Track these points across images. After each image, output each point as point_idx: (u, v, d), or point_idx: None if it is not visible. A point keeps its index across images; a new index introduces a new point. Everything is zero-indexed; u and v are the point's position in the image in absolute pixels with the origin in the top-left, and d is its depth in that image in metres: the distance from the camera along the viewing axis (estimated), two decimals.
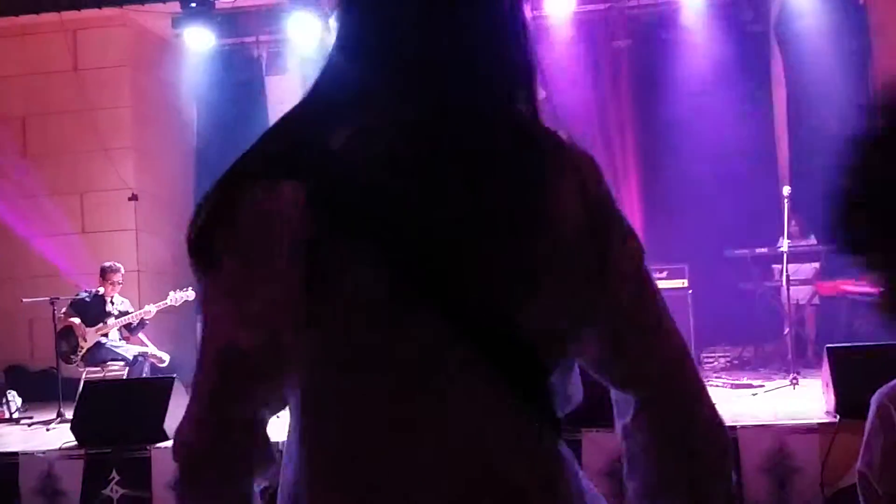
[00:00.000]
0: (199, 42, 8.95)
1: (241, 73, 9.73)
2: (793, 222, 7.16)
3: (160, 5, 8.73)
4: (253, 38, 9.62)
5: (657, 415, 1.03)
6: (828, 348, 4.94)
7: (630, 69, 9.36)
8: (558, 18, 8.79)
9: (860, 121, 0.89)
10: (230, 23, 9.04)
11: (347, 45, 1.06)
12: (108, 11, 8.68)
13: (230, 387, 0.98)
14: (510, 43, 1.08)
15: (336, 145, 0.98)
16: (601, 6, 8.85)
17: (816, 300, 7.82)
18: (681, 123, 8.87)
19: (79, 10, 8.48)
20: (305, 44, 9.17)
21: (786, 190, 6.94)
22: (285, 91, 10.34)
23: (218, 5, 8.63)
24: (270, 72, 9.77)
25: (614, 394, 1.08)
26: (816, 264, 7.51)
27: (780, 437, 4.52)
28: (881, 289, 0.87)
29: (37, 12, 8.52)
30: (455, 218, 0.95)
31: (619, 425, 1.08)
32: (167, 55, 9.62)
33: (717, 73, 8.90)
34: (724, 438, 1.05)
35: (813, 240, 7.63)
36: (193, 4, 8.52)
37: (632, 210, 9.31)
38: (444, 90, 1.02)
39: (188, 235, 1.00)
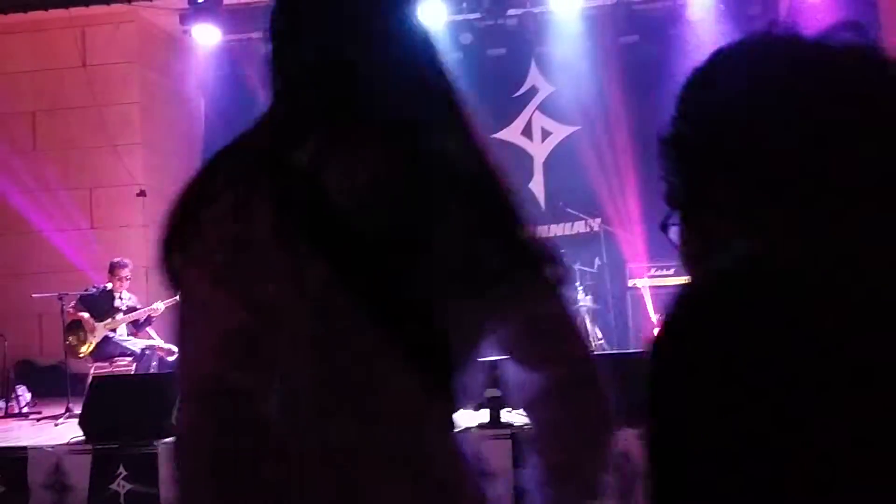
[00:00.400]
0: (206, 38, 8.97)
1: (249, 68, 9.74)
2: None
3: (168, 1, 8.75)
4: (260, 34, 9.63)
5: (566, 393, 1.22)
6: None
7: (637, 65, 9.34)
8: (566, 14, 8.78)
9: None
10: (237, 18, 9.04)
11: (297, 66, 1.19)
12: (116, 8, 8.70)
13: (232, 374, 1.01)
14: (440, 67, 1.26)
15: (297, 160, 1.08)
16: (609, 2, 8.84)
17: None
18: None
19: (87, 5, 8.50)
20: None
21: None
22: None
23: (225, 1, 8.64)
24: None
25: (522, 375, 1.25)
26: None
27: None
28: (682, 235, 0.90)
29: (45, 8, 8.55)
30: (402, 231, 1.07)
31: (523, 403, 1.28)
32: (175, 51, 9.65)
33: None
34: (610, 412, 1.24)
35: None
36: (201, 0, 8.53)
37: (633, 205, 9.32)
38: (401, 112, 1.14)
39: (158, 252, 1.10)
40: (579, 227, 9.49)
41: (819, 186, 0.79)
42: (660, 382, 0.81)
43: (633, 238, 9.27)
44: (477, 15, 8.88)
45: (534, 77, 9.95)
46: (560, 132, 9.91)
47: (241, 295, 1.01)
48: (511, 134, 10.01)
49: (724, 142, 0.84)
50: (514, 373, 1.27)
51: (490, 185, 1.17)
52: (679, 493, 0.79)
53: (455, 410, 1.17)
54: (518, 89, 9.98)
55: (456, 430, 1.19)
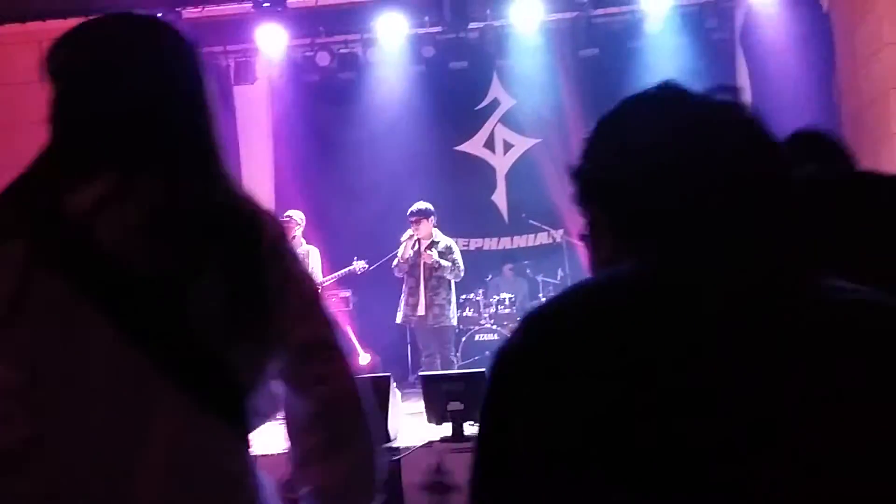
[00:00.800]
0: None
1: (208, 81, 9.68)
2: None
3: None
4: (220, 48, 9.59)
5: (326, 420, 1.32)
6: None
7: (597, 78, 9.44)
8: (527, 28, 8.85)
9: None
10: (198, 32, 8.90)
11: (77, 113, 1.29)
12: (73, 22, 8.56)
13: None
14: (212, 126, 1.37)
15: (70, 209, 1.17)
16: (568, 15, 8.91)
17: None
18: None
19: (43, 20, 8.40)
20: (273, 53, 9.16)
21: None
22: (253, 100, 10.32)
23: (185, 15, 8.59)
24: (238, 81, 9.73)
25: (291, 398, 1.35)
26: None
27: None
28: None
29: (1, 23, 8.43)
30: (171, 276, 1.17)
31: (289, 419, 1.37)
32: None
33: (684, 81, 8.95)
34: (369, 440, 1.36)
35: None
36: (160, 14, 8.47)
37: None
38: (166, 160, 1.26)
39: None
40: (542, 238, 9.54)
41: (676, 228, 0.94)
42: (492, 387, 0.94)
43: None
44: (438, 28, 8.92)
45: (496, 90, 10.01)
46: (522, 144, 9.98)
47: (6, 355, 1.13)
48: (474, 146, 10.05)
49: (609, 179, 1.00)
50: (285, 396, 1.37)
51: (245, 227, 1.27)
52: (494, 487, 0.91)
53: (245, 432, 1.27)
54: (480, 102, 10.03)
55: (249, 448, 1.29)
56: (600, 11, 8.90)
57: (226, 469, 1.24)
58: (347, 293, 9.12)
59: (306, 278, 1.36)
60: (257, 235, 1.27)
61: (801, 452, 0.82)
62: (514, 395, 0.91)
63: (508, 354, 0.94)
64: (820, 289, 0.92)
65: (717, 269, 0.91)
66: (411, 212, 7.32)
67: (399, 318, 7.55)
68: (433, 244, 7.33)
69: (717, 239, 0.92)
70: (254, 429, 1.29)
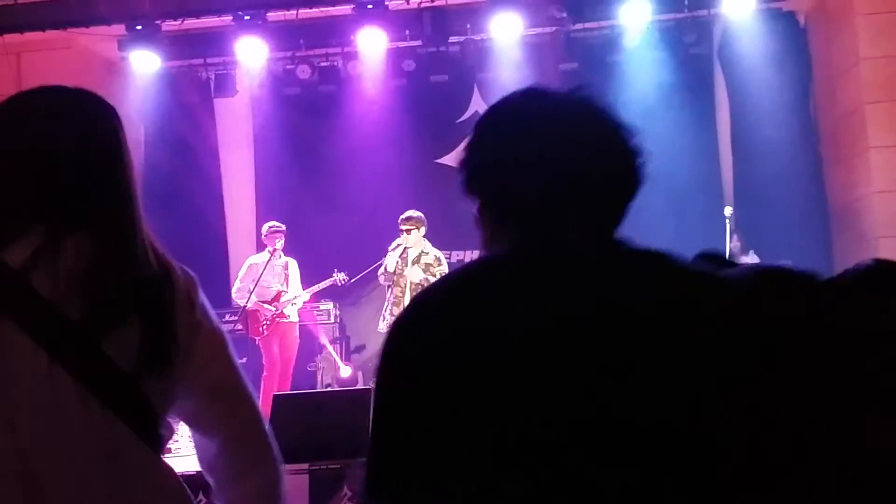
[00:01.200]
0: (145, 64, 8.86)
1: (189, 95, 9.66)
2: (734, 238, 7.32)
3: (105, 28, 8.64)
4: (200, 61, 9.57)
5: (234, 453, 1.51)
6: None
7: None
8: (507, 41, 8.89)
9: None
10: (177, 45, 8.97)
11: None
12: (51, 34, 8.56)
13: None
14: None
15: (7, 260, 1.35)
16: (548, 29, 8.96)
17: None
18: None
19: (21, 32, 8.35)
20: (253, 66, 9.15)
21: (727, 210, 7.10)
22: (233, 113, 10.31)
23: (165, 27, 8.57)
24: (218, 94, 9.71)
25: (199, 439, 1.55)
26: None
27: None
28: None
29: None
30: (101, 320, 1.36)
31: (200, 454, 1.56)
32: (114, 78, 9.52)
33: (663, 95, 9.06)
34: (275, 466, 1.54)
35: (754, 256, 7.79)
36: (139, 27, 8.45)
37: None
38: (100, 207, 1.44)
39: None
40: None
41: (546, 213, 1.09)
42: (381, 365, 1.06)
43: None
44: (419, 42, 8.95)
45: (476, 103, 10.03)
46: None
47: None
48: (454, 159, 10.00)
49: (482, 167, 1.17)
50: (195, 438, 1.57)
51: (159, 283, 1.44)
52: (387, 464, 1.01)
53: (158, 446, 1.45)
54: (461, 115, 10.06)
55: (162, 458, 1.47)
56: (579, 26, 8.96)
57: (138, 474, 1.41)
58: (329, 305, 9.11)
59: (214, 328, 1.54)
60: (170, 290, 1.45)
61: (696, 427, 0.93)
62: (400, 369, 1.04)
63: (396, 331, 1.06)
64: (664, 258, 1.06)
65: (572, 245, 1.07)
66: (403, 218, 7.21)
67: (382, 327, 7.51)
68: (421, 255, 7.28)
69: (572, 218, 1.10)
70: (164, 444, 1.47)
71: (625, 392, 0.93)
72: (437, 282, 1.13)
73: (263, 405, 7.07)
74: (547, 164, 1.10)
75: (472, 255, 9.55)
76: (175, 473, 1.48)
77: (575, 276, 1.02)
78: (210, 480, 1.56)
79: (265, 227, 7.69)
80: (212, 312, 1.55)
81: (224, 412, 1.52)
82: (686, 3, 8.78)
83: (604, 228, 1.12)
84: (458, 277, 1.08)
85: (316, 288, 7.70)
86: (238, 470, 1.52)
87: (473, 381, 0.95)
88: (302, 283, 7.72)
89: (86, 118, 1.54)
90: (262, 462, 1.53)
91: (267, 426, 1.55)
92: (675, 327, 0.97)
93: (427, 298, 1.08)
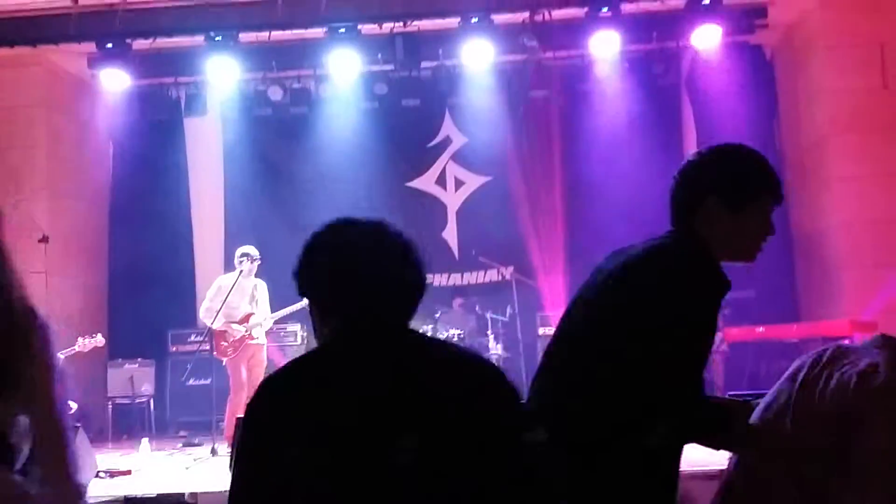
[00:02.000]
0: (115, 82, 8.80)
1: (159, 113, 9.61)
2: None
3: (75, 45, 8.58)
4: (171, 79, 9.53)
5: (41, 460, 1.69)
6: (729, 395, 5.02)
7: (548, 118, 9.61)
8: (478, 67, 8.95)
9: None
10: (148, 63, 8.92)
11: None
12: (21, 50, 8.49)
13: None
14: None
15: None
16: (519, 57, 9.05)
17: (725, 346, 8.02)
18: (596, 171, 9.11)
19: None
20: (224, 85, 9.13)
21: None
22: (203, 132, 10.27)
23: (135, 46, 8.53)
24: (189, 113, 9.67)
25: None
26: (725, 310, 7.71)
27: (682, 484, 4.56)
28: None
29: None
30: None
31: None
32: (83, 95, 9.46)
33: (631, 123, 9.18)
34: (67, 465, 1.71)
35: None
36: (110, 45, 8.40)
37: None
38: None
39: None
40: (492, 275, 9.59)
41: (356, 309, 1.64)
42: (239, 434, 1.58)
43: (544, 286, 9.42)
44: (391, 66, 8.98)
45: (447, 128, 10.09)
46: (473, 182, 10.05)
47: None
48: (425, 183, 10.10)
49: (311, 282, 1.69)
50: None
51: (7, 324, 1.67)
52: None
53: (10, 461, 1.65)
54: (432, 139, 10.11)
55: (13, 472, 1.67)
56: (550, 55, 9.05)
57: None
58: (296, 327, 9.05)
59: (49, 368, 1.70)
60: (16, 331, 1.67)
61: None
62: (250, 439, 1.55)
63: (250, 408, 1.55)
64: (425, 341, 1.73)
65: (375, 335, 1.62)
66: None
67: None
68: None
69: (376, 313, 1.64)
70: (16, 461, 1.66)
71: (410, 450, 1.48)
72: (281, 369, 1.61)
73: (228, 427, 7.02)
74: (357, 276, 1.63)
75: (440, 278, 9.58)
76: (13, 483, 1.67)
77: (374, 361, 1.58)
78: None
79: (238, 252, 7.57)
80: (50, 353, 1.73)
81: (45, 469, 1.68)
82: (655, 34, 8.90)
83: (400, 320, 1.68)
84: (294, 367, 1.61)
85: (285, 311, 7.64)
86: (46, 479, 1.68)
87: (297, 451, 1.48)
88: (271, 304, 7.66)
89: None
90: (59, 480, 1.68)
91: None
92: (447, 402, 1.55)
93: (271, 385, 1.59)
